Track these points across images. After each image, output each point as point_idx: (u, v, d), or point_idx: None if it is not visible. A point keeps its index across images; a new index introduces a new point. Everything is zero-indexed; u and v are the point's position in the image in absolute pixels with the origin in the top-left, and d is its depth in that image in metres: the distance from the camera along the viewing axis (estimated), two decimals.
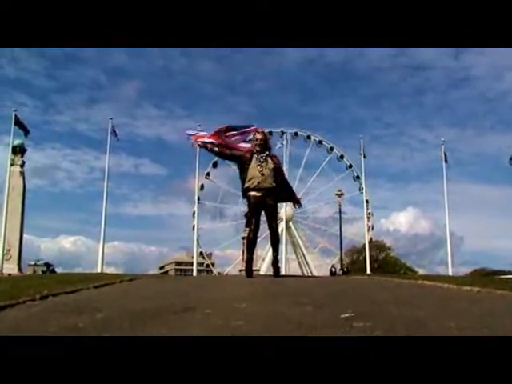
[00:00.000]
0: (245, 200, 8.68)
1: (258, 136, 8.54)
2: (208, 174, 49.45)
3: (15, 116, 28.48)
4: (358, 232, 49.79)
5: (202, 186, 48.20)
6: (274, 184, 8.23)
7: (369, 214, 46.55)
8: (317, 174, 55.50)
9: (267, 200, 8.18)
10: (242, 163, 8.43)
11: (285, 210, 47.56)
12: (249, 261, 8.58)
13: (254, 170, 8.20)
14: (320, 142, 54.02)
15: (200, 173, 36.87)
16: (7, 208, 27.19)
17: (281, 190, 8.45)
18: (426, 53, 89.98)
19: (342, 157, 52.86)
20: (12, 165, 30.46)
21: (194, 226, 40.46)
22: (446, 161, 31.91)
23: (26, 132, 29.46)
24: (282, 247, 42.18)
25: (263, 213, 8.32)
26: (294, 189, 9.47)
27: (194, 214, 42.05)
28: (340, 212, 44.16)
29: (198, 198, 38.98)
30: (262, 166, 8.19)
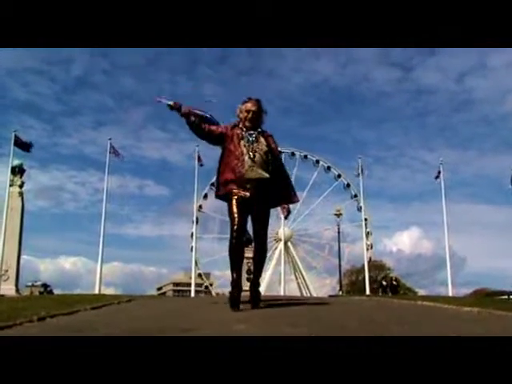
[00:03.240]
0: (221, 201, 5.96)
1: (250, 105, 5.73)
2: (201, 207, 49.06)
3: (15, 136, 28.60)
4: (359, 253, 49.64)
5: (201, 207, 48.09)
6: (267, 175, 5.58)
7: (367, 232, 46.44)
8: (321, 199, 55.45)
9: (257, 198, 5.53)
10: (220, 140, 5.78)
11: (283, 230, 47.40)
12: (235, 283, 5.43)
13: (238, 153, 5.57)
14: (328, 167, 54.17)
15: (199, 194, 37.01)
16: (5, 229, 27.12)
17: (277, 184, 5.74)
18: (430, 77, 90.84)
19: (348, 185, 52.89)
20: (11, 185, 30.48)
21: (191, 248, 40.35)
22: (437, 177, 32.16)
23: (29, 147, 29.59)
24: (281, 268, 41.91)
25: (249, 216, 5.69)
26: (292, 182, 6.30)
27: (191, 235, 41.89)
28: (339, 232, 44.17)
29: (197, 220, 38.89)
30: (251, 148, 5.58)
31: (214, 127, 5.74)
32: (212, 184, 47.58)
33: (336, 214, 44.60)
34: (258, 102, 5.77)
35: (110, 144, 29.70)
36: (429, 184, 35.07)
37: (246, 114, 5.70)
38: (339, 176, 53.70)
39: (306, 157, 53.89)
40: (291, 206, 6.19)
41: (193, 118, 5.64)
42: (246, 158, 5.54)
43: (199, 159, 32.20)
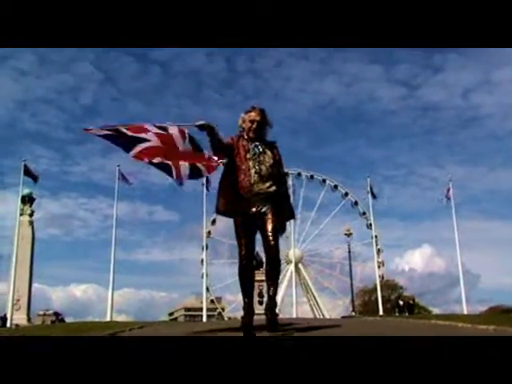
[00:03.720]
0: (222, 217, 5.77)
1: (253, 114, 5.42)
2: (209, 233, 48.92)
3: (24, 166, 28.84)
4: (371, 272, 49.25)
5: (209, 233, 47.96)
6: (274, 188, 5.31)
7: (378, 249, 46.12)
8: (330, 218, 55.33)
9: (265, 210, 5.21)
10: (230, 152, 5.40)
11: (293, 251, 47.23)
12: (246, 308, 5.24)
13: (245, 167, 5.27)
14: (335, 186, 54.12)
15: (207, 219, 37.05)
16: (16, 258, 27.19)
17: (281, 199, 5.44)
18: (435, 94, 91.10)
19: (356, 203, 52.74)
20: (21, 214, 30.66)
21: (202, 274, 40.24)
22: (447, 196, 32.06)
23: (35, 179, 29.80)
24: (293, 290, 41.63)
25: (259, 232, 5.34)
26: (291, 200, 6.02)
27: (202, 261, 41.80)
28: (349, 251, 43.94)
29: (206, 246, 38.88)
30: (258, 162, 5.28)
31: (224, 139, 5.41)
32: None
33: (346, 234, 44.39)
34: (262, 112, 5.47)
35: (119, 170, 29.85)
36: (439, 201, 34.96)
37: (249, 125, 5.40)
38: (346, 194, 53.59)
39: (312, 177, 53.90)
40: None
41: (218, 137, 5.31)
42: (253, 172, 5.25)
43: (207, 181, 32.07)
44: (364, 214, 50.09)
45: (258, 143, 5.37)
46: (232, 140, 5.42)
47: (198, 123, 5.22)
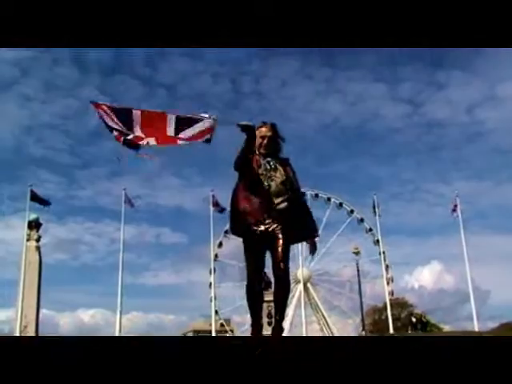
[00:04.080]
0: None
1: (264, 130, 5.30)
2: (216, 256, 48.77)
3: (31, 191, 28.99)
4: (380, 291, 48.91)
5: (216, 256, 47.80)
6: (287, 205, 5.10)
7: (389, 278, 45.84)
8: (336, 236, 55.12)
9: (275, 230, 4.99)
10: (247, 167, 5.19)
11: (301, 271, 46.97)
12: (255, 330, 5.10)
13: (253, 183, 5.13)
14: (340, 204, 54.02)
15: (214, 241, 37.10)
16: (24, 283, 27.14)
17: (297, 217, 5.16)
18: (440, 111, 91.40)
19: (362, 220, 52.60)
20: (28, 240, 30.72)
21: (211, 298, 40.09)
22: (454, 211, 31.99)
23: (46, 204, 29.96)
24: (301, 310, 41.37)
25: (268, 251, 5.13)
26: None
27: (210, 285, 41.63)
28: (358, 270, 43.59)
29: (214, 269, 38.84)
30: (268, 177, 5.13)
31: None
32: (226, 232, 47.48)
33: (354, 253, 44.19)
34: (273, 127, 5.34)
35: (125, 194, 29.96)
36: (446, 217, 34.90)
37: (260, 141, 5.25)
38: (352, 211, 53.36)
39: (317, 195, 53.73)
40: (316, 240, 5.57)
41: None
42: (263, 188, 5.08)
43: (217, 204, 32.19)
44: (371, 230, 49.88)
45: (270, 159, 5.25)
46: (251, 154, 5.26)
47: (243, 123, 5.01)
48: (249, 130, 5.01)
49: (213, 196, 32.45)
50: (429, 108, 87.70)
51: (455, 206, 32.49)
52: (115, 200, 35.46)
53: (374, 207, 35.61)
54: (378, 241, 41.67)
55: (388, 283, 43.81)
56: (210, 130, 6.38)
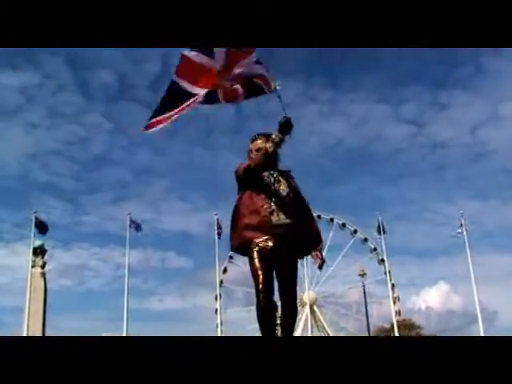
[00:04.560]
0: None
1: (260, 142, 4.94)
2: (222, 282, 48.50)
3: (35, 218, 29.08)
4: (387, 313, 48.51)
5: (222, 282, 47.56)
6: (289, 220, 4.74)
7: (395, 298, 45.53)
8: (341, 257, 54.89)
9: (282, 248, 4.65)
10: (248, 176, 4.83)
11: (307, 294, 46.68)
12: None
13: (265, 194, 4.77)
14: (343, 224, 53.91)
15: (220, 265, 37.04)
16: (29, 310, 27.07)
17: (302, 229, 4.82)
18: (443, 131, 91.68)
19: (365, 240, 52.46)
20: (33, 266, 30.72)
21: (217, 324, 39.87)
22: (459, 232, 32.02)
23: (45, 230, 30.01)
24: (308, 333, 41.03)
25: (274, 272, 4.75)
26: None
27: (216, 311, 41.41)
28: (364, 292, 43.33)
29: (220, 295, 38.72)
30: (273, 189, 4.82)
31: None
32: (230, 257, 47.33)
33: (360, 275, 43.94)
34: (267, 139, 4.86)
35: (130, 218, 30.02)
36: (452, 237, 34.79)
37: (256, 154, 4.87)
38: (355, 231, 53.20)
39: (319, 217, 53.31)
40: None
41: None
42: (268, 201, 4.72)
43: (221, 228, 32.21)
44: (375, 249, 49.72)
45: (272, 172, 4.88)
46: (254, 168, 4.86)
47: (287, 116, 4.53)
48: (290, 128, 4.56)
49: (217, 220, 32.47)
50: (432, 128, 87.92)
51: (461, 225, 32.51)
52: (121, 225, 35.59)
53: (378, 227, 35.53)
54: (382, 260, 41.47)
55: (394, 302, 43.52)
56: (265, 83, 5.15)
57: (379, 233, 36.84)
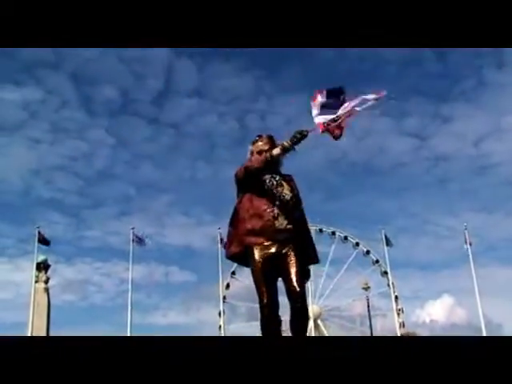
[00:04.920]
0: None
1: (261, 144, 4.71)
2: (225, 298, 47.99)
3: (38, 233, 29.12)
4: (391, 327, 48.22)
5: (225, 298, 47.33)
6: (296, 226, 4.55)
7: (399, 310, 45.27)
8: (344, 270, 54.64)
9: (288, 252, 4.42)
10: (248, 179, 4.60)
11: (311, 307, 46.40)
12: None
13: (269, 198, 4.53)
14: (345, 237, 53.70)
15: (223, 280, 37.01)
16: (32, 325, 26.99)
17: (300, 238, 4.60)
18: (446, 144, 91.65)
19: (368, 252, 52.24)
20: (36, 282, 30.69)
21: None
22: (468, 244, 31.94)
23: (47, 244, 30.08)
24: None
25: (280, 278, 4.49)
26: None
27: (220, 327, 41.28)
28: (368, 305, 43.12)
29: (223, 311, 38.59)
30: (276, 193, 4.57)
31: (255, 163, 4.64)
32: (233, 273, 47.18)
33: (364, 288, 43.72)
34: (270, 140, 4.71)
35: (133, 233, 30.04)
36: (456, 250, 34.76)
37: (258, 157, 4.63)
38: (357, 244, 52.85)
39: (321, 230, 53.12)
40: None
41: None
42: (271, 205, 4.49)
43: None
44: (377, 261, 49.44)
45: (274, 175, 4.64)
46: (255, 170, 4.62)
47: (308, 130, 4.37)
48: (303, 138, 4.36)
49: (220, 234, 32.43)
50: (435, 141, 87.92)
51: (465, 239, 32.52)
52: (124, 239, 35.64)
53: (386, 240, 35.47)
54: (385, 272, 41.26)
55: (398, 314, 43.26)
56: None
57: (387, 244, 36.67)
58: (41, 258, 32.14)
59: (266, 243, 4.39)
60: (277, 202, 4.48)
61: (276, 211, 4.45)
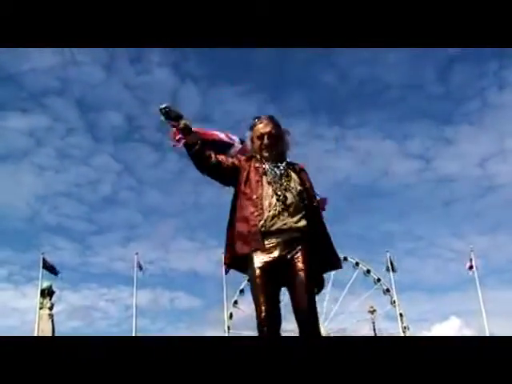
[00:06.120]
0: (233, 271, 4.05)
1: (261, 126, 3.97)
2: (229, 328, 47.46)
3: (43, 259, 29.16)
4: None
5: (229, 328, 46.88)
6: (303, 223, 3.72)
7: (404, 327, 44.80)
8: (346, 292, 54.17)
9: (295, 257, 3.62)
10: (233, 175, 3.94)
11: None
12: None
13: (257, 196, 3.76)
14: (345, 258, 53.41)
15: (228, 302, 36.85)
16: None
17: (316, 240, 3.77)
18: (450, 166, 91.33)
19: (368, 271, 51.83)
20: (41, 308, 30.63)
21: None
22: (472, 267, 31.79)
23: (55, 273, 30.06)
24: None
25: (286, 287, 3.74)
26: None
27: None
28: (374, 329, 42.68)
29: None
30: (281, 186, 3.76)
31: (223, 157, 4.00)
32: (235, 302, 46.57)
33: (370, 311, 43.32)
34: (271, 120, 4.00)
35: (137, 258, 30.06)
36: (462, 272, 34.58)
37: (259, 142, 3.94)
38: (357, 264, 52.24)
39: None
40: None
41: (197, 147, 3.83)
42: (274, 200, 3.69)
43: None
44: (379, 280, 48.93)
45: (278, 163, 3.89)
46: (238, 161, 4.00)
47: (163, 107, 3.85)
48: (172, 119, 3.89)
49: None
50: (439, 163, 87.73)
51: (470, 261, 32.35)
52: (129, 265, 35.59)
53: (391, 264, 35.25)
54: (387, 290, 40.87)
55: (404, 332, 42.78)
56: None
57: (388, 270, 36.47)
58: (45, 284, 32.18)
59: (264, 247, 3.63)
60: (280, 198, 3.70)
61: (277, 207, 3.68)
